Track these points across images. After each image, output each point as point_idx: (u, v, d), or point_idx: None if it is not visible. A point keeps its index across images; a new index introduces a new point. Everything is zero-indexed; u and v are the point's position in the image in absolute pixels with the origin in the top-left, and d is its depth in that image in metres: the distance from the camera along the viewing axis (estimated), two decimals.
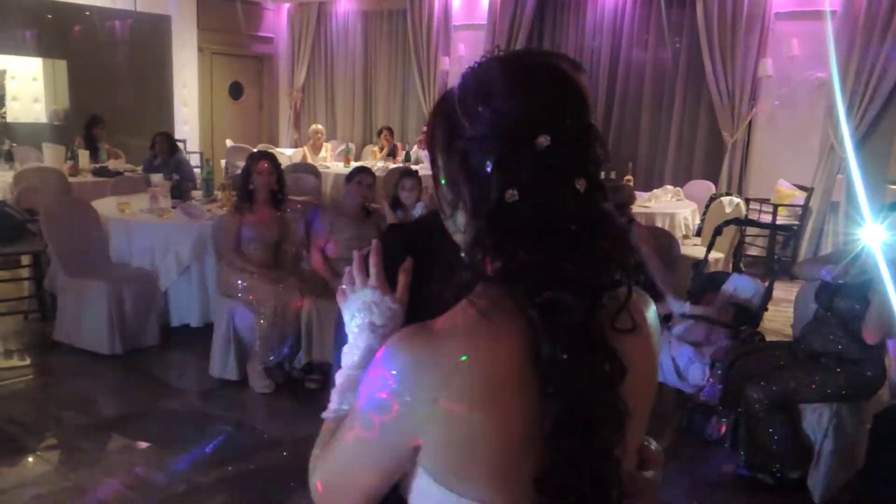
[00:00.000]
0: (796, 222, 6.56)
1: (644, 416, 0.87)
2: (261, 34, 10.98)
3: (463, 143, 0.77)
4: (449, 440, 0.76)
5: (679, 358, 3.53)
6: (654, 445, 0.97)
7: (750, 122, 7.10)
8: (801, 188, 6.65)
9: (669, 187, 6.62)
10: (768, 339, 3.87)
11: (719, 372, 3.29)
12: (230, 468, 3.08)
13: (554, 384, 0.73)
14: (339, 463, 0.83)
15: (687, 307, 3.61)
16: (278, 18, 11.09)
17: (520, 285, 0.74)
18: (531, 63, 0.79)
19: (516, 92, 0.76)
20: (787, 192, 6.68)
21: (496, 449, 0.75)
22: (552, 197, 0.74)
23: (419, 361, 0.75)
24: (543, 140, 0.73)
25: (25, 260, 5.04)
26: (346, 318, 0.90)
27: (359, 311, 0.89)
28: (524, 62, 0.79)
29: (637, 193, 5.91)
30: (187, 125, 10.04)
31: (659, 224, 5.67)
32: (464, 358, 0.73)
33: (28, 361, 4.30)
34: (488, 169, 0.75)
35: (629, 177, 6.29)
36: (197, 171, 7.50)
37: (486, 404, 0.74)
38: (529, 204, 0.73)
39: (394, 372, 0.75)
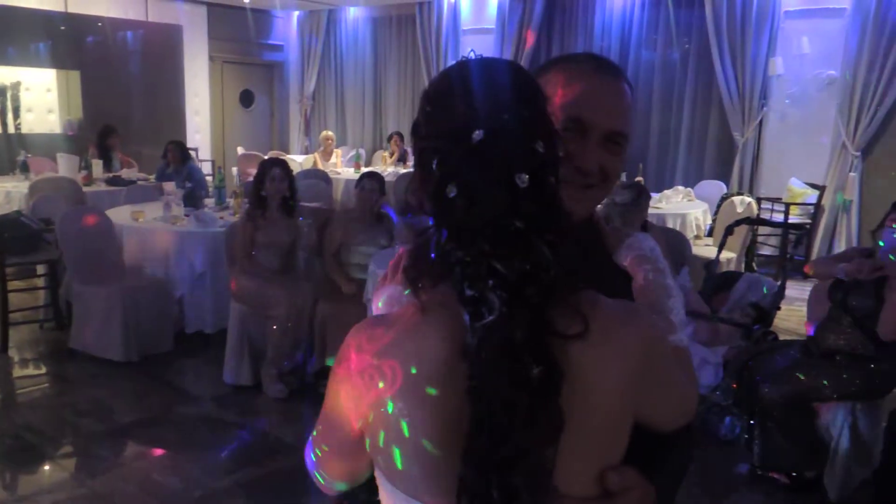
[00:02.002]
0: (808, 221, 6.52)
1: (606, 438, 0.79)
2: (271, 42, 11.05)
3: (419, 143, 0.80)
4: (386, 434, 0.78)
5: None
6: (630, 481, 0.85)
7: (761, 121, 7.06)
8: (813, 186, 6.61)
9: (680, 188, 6.60)
10: (781, 338, 3.85)
11: (733, 372, 3.28)
12: (245, 473, 3.10)
13: (475, 381, 0.72)
14: (317, 440, 0.91)
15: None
16: (288, 26, 11.16)
17: (453, 281, 0.74)
18: (477, 62, 0.80)
19: (457, 89, 0.77)
20: (799, 190, 6.64)
21: (421, 446, 0.76)
22: (487, 192, 0.72)
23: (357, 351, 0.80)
24: (477, 134, 0.73)
25: (41, 269, 5.09)
26: (375, 309, 0.96)
27: (382, 304, 0.94)
28: (470, 62, 0.80)
29: None
30: (199, 134, 10.12)
31: (670, 224, 5.65)
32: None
33: (44, 370, 4.35)
34: (434, 166, 0.76)
35: (639, 177, 6.27)
36: (209, 178, 7.56)
37: (409, 397, 0.75)
38: (465, 199, 0.73)
39: (342, 360, 0.81)
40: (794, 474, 2.99)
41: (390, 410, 0.77)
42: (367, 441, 0.82)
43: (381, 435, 0.78)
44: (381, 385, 0.77)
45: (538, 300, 0.72)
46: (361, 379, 0.79)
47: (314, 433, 0.92)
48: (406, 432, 0.77)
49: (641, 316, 0.83)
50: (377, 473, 0.84)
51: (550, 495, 0.74)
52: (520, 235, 0.72)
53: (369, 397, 0.78)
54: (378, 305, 0.94)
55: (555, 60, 1.05)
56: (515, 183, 0.72)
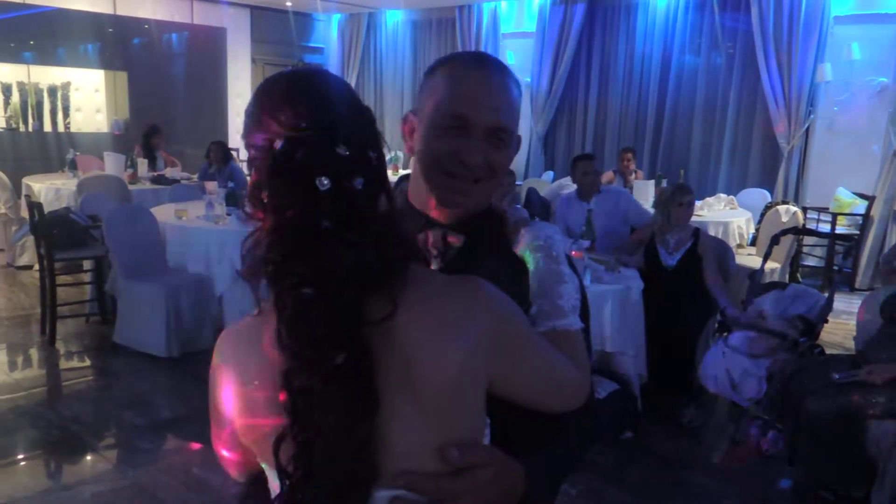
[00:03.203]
0: (856, 232, 6.34)
1: (442, 411, 0.80)
2: (311, 45, 11.18)
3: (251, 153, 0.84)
4: (241, 427, 0.87)
5: (733, 370, 3.45)
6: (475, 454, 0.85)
7: (808, 129, 6.90)
8: (862, 196, 6.43)
9: (723, 195, 6.48)
10: (828, 352, 3.75)
11: (777, 385, 3.20)
12: None
13: (285, 375, 0.77)
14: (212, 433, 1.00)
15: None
16: (329, 29, 11.27)
17: (268, 282, 0.80)
18: (287, 74, 0.85)
19: (264, 101, 0.83)
20: (847, 200, 6.47)
21: (265, 445, 0.82)
22: (290, 197, 0.77)
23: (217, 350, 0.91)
24: (278, 144, 0.78)
25: (87, 265, 5.22)
26: None
27: None
28: (281, 74, 0.86)
29: None
30: (240, 135, 10.27)
31: (712, 232, 5.55)
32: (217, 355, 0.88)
33: (89, 363, 4.45)
34: (252, 176, 0.82)
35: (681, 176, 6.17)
36: (249, 179, 7.65)
37: (245, 397, 0.83)
38: (273, 204, 0.79)
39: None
40: (840, 492, 2.90)
41: (235, 407, 0.85)
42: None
43: (240, 426, 0.86)
44: (224, 384, 0.86)
45: (336, 292, 0.76)
46: (214, 376, 0.89)
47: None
48: (249, 430, 0.84)
49: (478, 290, 0.84)
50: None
51: (378, 475, 0.77)
52: (324, 235, 0.77)
53: (223, 394, 0.87)
54: None
55: (441, 60, 1.09)
56: (316, 186, 0.77)
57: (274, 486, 0.86)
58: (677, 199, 3.96)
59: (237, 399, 0.85)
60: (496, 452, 0.87)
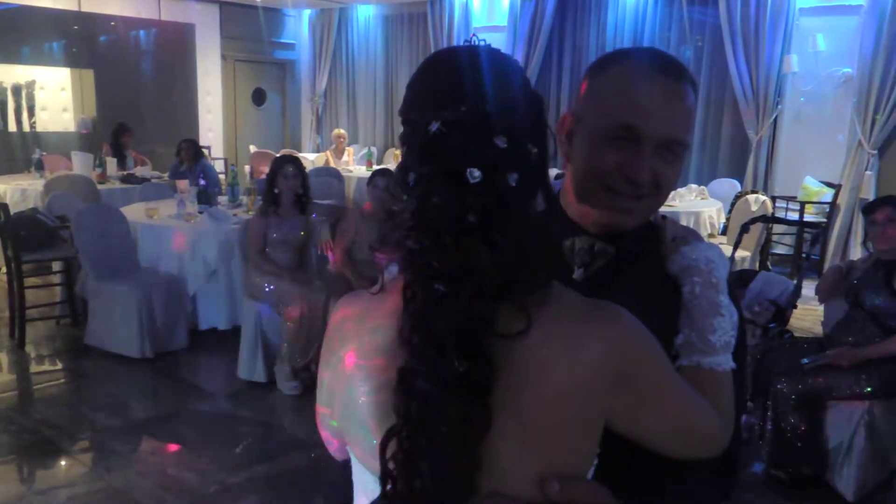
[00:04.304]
0: (824, 220, 6.47)
1: (553, 440, 0.75)
2: (283, 41, 11.08)
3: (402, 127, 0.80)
4: (340, 401, 0.83)
5: None
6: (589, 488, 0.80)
7: (775, 120, 7.02)
8: (829, 185, 6.56)
9: (693, 186, 6.56)
10: (797, 336, 3.82)
11: (748, 368, 3.26)
12: (259, 469, 3.11)
13: (403, 367, 0.73)
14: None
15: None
16: (300, 25, 11.18)
17: (402, 266, 0.76)
18: (459, 51, 0.78)
19: (428, 77, 0.77)
20: (815, 189, 6.59)
21: (362, 424, 0.78)
22: (437, 184, 0.72)
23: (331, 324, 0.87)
24: (433, 126, 0.72)
25: (57, 266, 5.13)
26: None
27: None
28: (454, 50, 0.78)
29: None
30: (212, 132, 10.16)
31: (683, 223, 5.62)
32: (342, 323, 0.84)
33: (60, 365, 4.38)
34: (404, 158, 0.77)
35: None
36: (221, 176, 7.59)
37: (354, 371, 0.80)
38: (419, 189, 0.74)
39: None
40: (790, 470, 2.98)
41: (343, 380, 0.81)
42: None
43: (337, 400, 0.83)
44: (336, 354, 0.83)
45: (471, 295, 0.71)
46: (326, 344, 0.86)
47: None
48: (353, 406, 0.80)
49: (615, 319, 0.77)
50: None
51: (475, 492, 0.73)
52: (466, 230, 0.71)
53: (332, 361, 0.84)
54: None
55: (613, 57, 0.98)
56: (466, 177, 0.71)
57: (358, 489, 0.84)
58: None
59: (348, 371, 0.80)
60: (601, 491, 0.79)
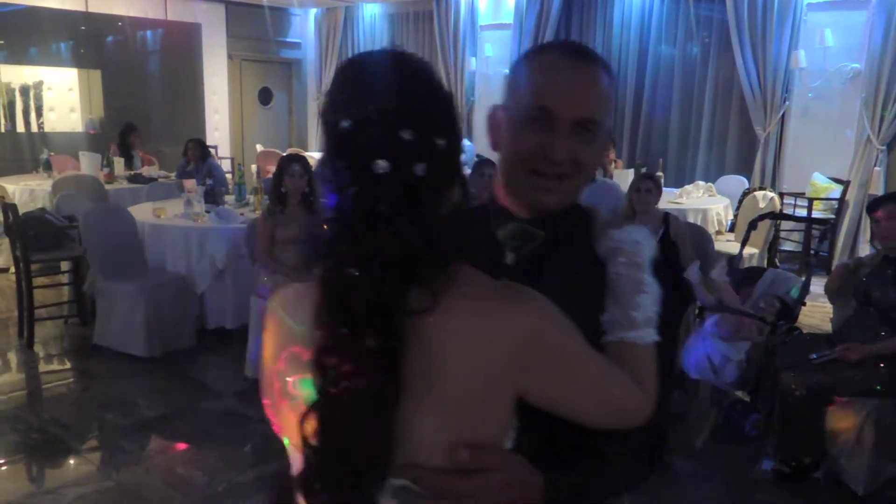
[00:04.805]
0: (832, 216, 6.43)
1: (466, 412, 0.79)
2: (289, 40, 11.10)
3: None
4: (276, 388, 0.88)
5: (713, 355, 3.48)
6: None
7: (783, 116, 6.98)
8: (837, 181, 6.52)
9: (701, 183, 6.54)
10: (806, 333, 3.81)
11: (756, 364, 3.25)
12: (267, 467, 3.11)
13: (318, 348, 0.78)
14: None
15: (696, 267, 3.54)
16: (305, 23, 11.20)
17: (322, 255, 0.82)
18: (370, 54, 0.85)
19: (336, 81, 0.84)
20: (823, 185, 6.56)
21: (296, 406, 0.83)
22: (347, 178, 0.78)
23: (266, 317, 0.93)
24: (343, 123, 0.79)
25: (65, 266, 5.15)
26: None
27: None
28: (365, 54, 0.85)
29: (668, 190, 5.87)
30: (218, 131, 10.19)
31: (691, 220, 5.61)
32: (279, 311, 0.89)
33: (69, 365, 4.41)
34: (323, 154, 0.83)
35: (659, 172, 6.23)
36: (228, 176, 7.61)
37: (282, 357, 0.86)
38: (333, 182, 0.80)
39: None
40: (793, 463, 2.97)
41: (274, 366, 0.87)
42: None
43: (273, 390, 0.88)
44: (270, 340, 0.89)
45: (380, 277, 0.76)
46: (264, 338, 0.91)
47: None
48: (283, 391, 0.85)
49: (523, 297, 0.82)
50: None
51: (390, 464, 0.78)
52: (377, 218, 0.77)
53: (267, 350, 0.90)
54: None
55: (531, 50, 1.04)
56: (373, 169, 0.77)
57: (295, 463, 0.87)
58: (636, 185, 3.98)
59: (276, 360, 0.87)
60: (514, 459, 0.83)
